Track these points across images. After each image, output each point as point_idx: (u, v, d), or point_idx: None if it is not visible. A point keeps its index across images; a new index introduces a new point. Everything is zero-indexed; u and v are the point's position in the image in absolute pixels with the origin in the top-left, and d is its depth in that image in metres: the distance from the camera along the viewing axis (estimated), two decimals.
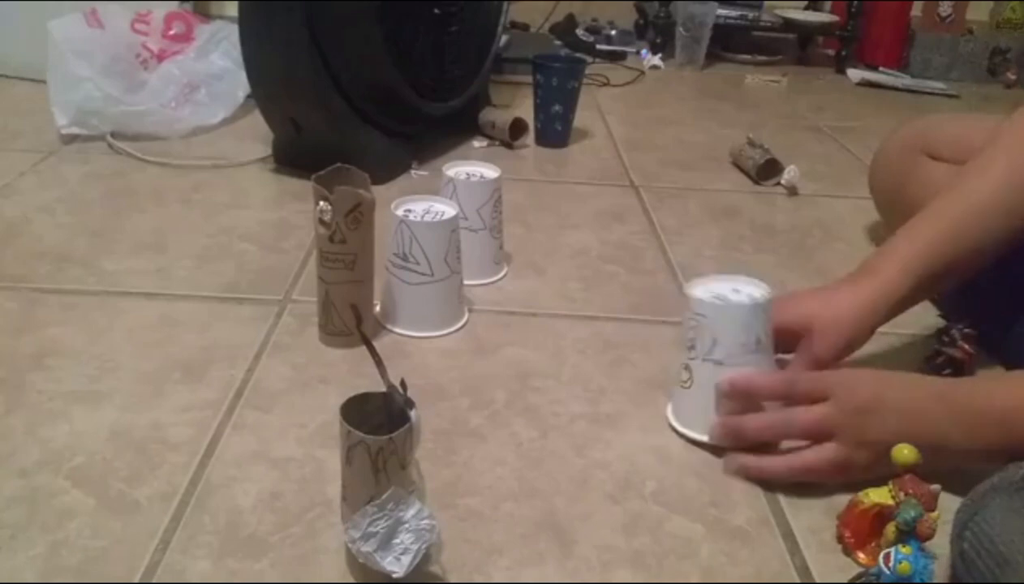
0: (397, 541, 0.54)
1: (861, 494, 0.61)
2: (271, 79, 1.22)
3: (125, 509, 0.62)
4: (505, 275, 1.02)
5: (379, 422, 0.58)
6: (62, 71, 1.31)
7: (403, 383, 0.59)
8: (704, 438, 0.73)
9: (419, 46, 1.30)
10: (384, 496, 0.54)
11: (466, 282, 0.92)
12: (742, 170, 1.43)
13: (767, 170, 1.38)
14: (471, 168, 0.99)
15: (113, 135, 1.34)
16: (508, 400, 0.78)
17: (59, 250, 1.01)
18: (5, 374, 0.77)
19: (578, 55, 1.92)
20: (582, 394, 0.80)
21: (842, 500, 0.64)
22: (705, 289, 0.73)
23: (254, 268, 1.00)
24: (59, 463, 0.66)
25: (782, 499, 0.68)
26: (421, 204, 0.89)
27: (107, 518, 0.61)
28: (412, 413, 0.57)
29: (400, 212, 0.85)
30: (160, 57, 1.41)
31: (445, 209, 0.88)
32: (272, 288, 0.95)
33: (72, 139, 1.35)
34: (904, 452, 0.60)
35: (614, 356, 0.86)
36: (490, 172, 0.98)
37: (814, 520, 0.66)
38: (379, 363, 0.61)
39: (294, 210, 1.16)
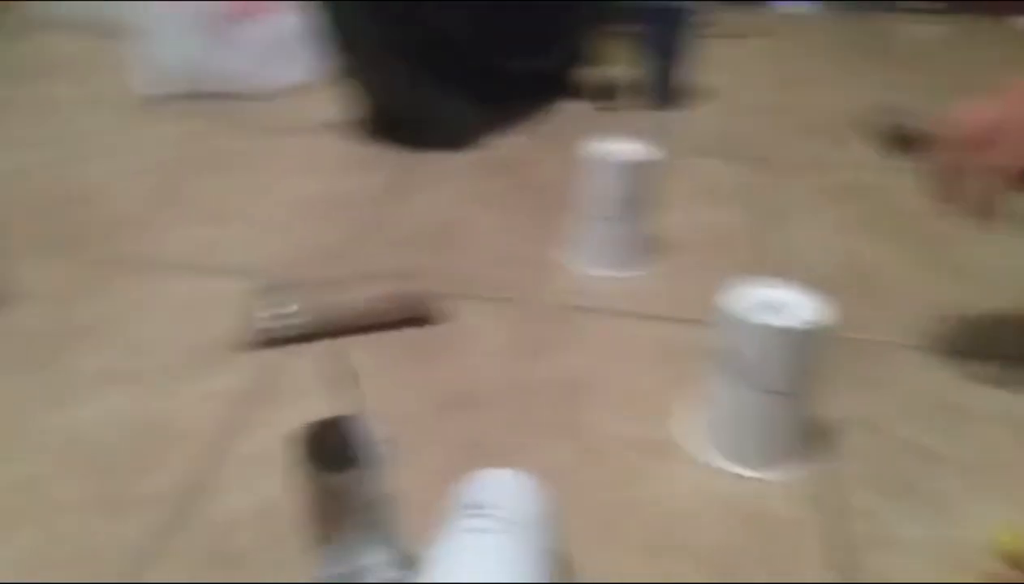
0: None
1: None
2: (351, 44, 1.16)
3: (124, 505, 0.59)
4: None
5: (348, 453, 0.49)
6: (148, 29, 1.30)
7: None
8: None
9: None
10: (349, 538, 0.47)
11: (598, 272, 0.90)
12: (879, 143, 1.24)
13: (908, 143, 1.18)
14: (617, 145, 0.88)
15: (196, 95, 1.32)
16: (548, 412, 0.70)
17: (129, 217, 1.00)
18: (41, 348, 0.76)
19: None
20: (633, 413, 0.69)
21: None
22: (748, 299, 0.61)
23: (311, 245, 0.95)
24: (59, 455, 0.64)
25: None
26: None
27: (105, 514, 0.59)
28: (380, 446, 0.48)
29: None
30: (246, 16, 1.38)
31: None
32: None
33: (155, 99, 1.33)
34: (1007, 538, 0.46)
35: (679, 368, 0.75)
36: (641, 150, 0.87)
37: None
38: (353, 383, 0.51)
39: (361, 182, 1.10)
